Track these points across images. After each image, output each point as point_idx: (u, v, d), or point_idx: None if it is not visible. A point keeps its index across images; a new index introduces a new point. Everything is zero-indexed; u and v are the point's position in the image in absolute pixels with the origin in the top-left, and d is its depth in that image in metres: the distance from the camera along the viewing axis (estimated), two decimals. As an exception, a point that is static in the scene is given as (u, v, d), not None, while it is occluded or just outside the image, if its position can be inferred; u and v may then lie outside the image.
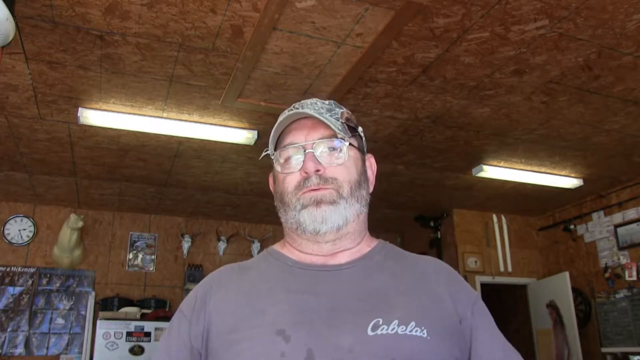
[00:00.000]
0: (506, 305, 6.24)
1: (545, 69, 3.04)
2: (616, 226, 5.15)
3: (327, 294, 0.88)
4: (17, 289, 5.19)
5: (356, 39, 2.74)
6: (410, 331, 0.83)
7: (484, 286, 5.62)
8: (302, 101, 0.99)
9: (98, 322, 4.94)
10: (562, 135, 3.96)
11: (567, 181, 4.84)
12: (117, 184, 4.93)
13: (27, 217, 5.44)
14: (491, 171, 4.57)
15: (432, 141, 4.07)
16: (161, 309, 5.30)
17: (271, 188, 1.05)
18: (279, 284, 0.92)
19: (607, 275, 5.16)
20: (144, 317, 5.08)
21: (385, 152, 4.25)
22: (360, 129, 1.03)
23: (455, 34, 2.70)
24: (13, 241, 5.32)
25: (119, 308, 5.14)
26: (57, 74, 3.06)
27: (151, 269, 5.73)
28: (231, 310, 0.89)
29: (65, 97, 3.32)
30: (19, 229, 5.37)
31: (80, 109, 3.42)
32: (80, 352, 5.17)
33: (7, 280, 5.18)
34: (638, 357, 4.80)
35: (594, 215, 5.42)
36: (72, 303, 5.32)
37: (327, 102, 1.00)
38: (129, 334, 4.92)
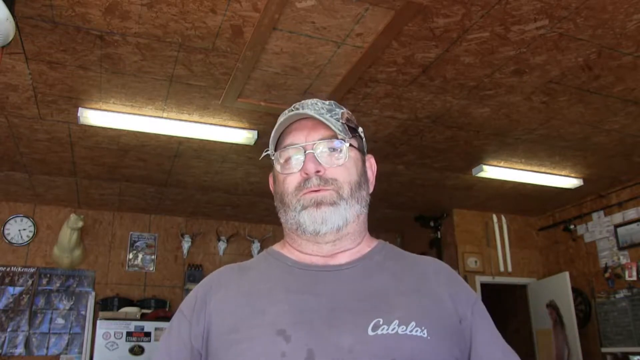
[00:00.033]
0: (506, 305, 6.23)
1: (545, 69, 3.04)
2: (616, 226, 5.15)
3: (327, 294, 0.88)
4: (17, 289, 5.19)
5: (356, 39, 2.74)
6: (411, 331, 0.83)
7: (484, 286, 5.61)
8: (303, 101, 0.99)
9: (98, 322, 4.94)
10: (562, 135, 3.96)
11: (567, 181, 4.84)
12: (117, 184, 4.93)
13: (27, 217, 5.44)
14: (491, 171, 4.57)
15: (432, 141, 4.06)
16: (161, 309, 5.31)
17: (271, 188, 1.04)
18: (279, 284, 0.92)
19: (607, 275, 5.16)
20: (144, 317, 5.08)
21: (385, 152, 4.24)
22: (360, 129, 1.03)
23: (455, 34, 2.70)
24: (13, 241, 5.32)
25: (119, 308, 5.14)
26: (57, 74, 3.06)
27: (151, 269, 5.73)
28: (231, 311, 0.89)
29: (65, 97, 3.32)
30: (19, 229, 5.38)
31: (80, 109, 3.42)
32: (80, 352, 5.17)
33: (7, 280, 5.19)
34: (638, 357, 4.80)
35: (594, 215, 5.42)
36: (72, 303, 5.31)
37: (327, 102, 1.00)
38: (129, 334, 4.92)
